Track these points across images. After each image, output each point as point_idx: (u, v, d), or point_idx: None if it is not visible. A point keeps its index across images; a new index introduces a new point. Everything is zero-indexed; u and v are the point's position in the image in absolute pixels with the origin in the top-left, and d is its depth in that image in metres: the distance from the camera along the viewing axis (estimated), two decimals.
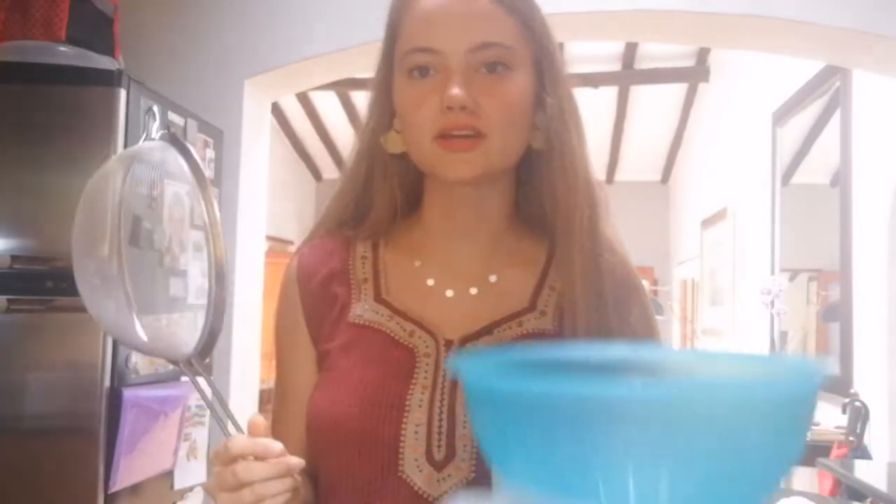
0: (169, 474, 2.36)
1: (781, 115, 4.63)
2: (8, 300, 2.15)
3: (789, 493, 2.81)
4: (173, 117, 2.52)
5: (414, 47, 0.85)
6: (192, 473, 2.45)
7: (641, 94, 7.22)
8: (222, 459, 0.75)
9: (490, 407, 0.51)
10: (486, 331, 0.87)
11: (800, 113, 4.38)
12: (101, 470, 2.12)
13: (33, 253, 2.16)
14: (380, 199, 0.93)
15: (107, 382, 2.14)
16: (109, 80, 2.23)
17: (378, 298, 0.91)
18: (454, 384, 0.84)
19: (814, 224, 4.19)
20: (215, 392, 0.89)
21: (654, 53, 6.56)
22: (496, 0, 0.85)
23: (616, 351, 0.62)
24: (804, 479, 3.57)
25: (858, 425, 3.18)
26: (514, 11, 0.86)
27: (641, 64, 6.75)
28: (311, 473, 0.89)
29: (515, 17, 0.86)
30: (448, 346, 0.86)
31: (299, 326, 0.93)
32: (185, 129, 2.60)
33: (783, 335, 4.54)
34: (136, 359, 2.27)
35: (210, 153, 2.79)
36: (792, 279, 4.35)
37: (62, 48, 2.36)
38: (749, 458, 0.47)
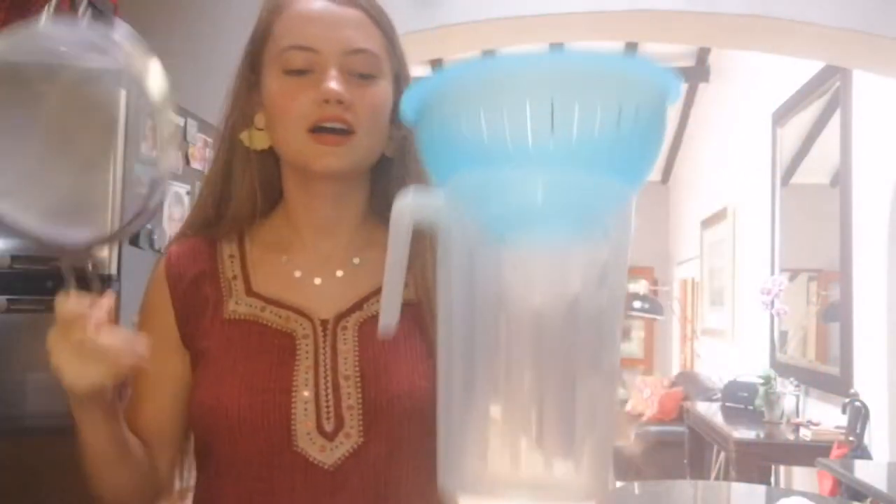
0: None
1: (781, 115, 4.63)
2: (8, 300, 2.15)
3: (789, 493, 2.81)
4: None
5: (291, 44, 0.90)
6: (191, 473, 2.45)
7: None
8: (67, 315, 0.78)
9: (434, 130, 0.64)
10: (357, 307, 0.93)
11: (800, 113, 4.38)
12: None
13: (33, 253, 2.16)
14: (239, 193, 0.97)
15: None
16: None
17: (249, 292, 0.95)
18: (335, 360, 0.90)
19: (814, 224, 4.19)
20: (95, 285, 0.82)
21: (654, 53, 6.56)
22: (365, 12, 0.93)
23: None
24: (804, 479, 3.58)
25: (858, 425, 3.18)
26: (379, 25, 0.94)
27: None
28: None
29: (381, 29, 0.94)
30: (324, 325, 0.92)
31: (166, 326, 0.95)
32: (184, 128, 2.60)
33: (783, 335, 4.54)
34: None
35: (210, 153, 2.78)
36: (792, 279, 4.35)
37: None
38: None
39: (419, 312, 0.94)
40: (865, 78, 3.46)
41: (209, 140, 2.78)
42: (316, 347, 0.91)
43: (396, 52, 0.96)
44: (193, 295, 0.95)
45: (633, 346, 9.23)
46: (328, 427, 0.88)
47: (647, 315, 7.02)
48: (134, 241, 2.26)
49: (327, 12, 0.92)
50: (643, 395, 6.56)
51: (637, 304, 6.82)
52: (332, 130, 0.88)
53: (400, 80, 0.96)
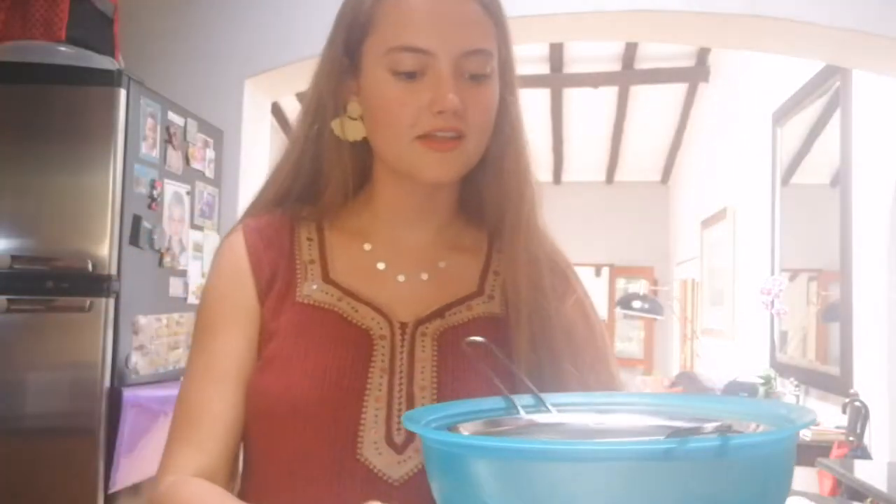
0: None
1: (781, 115, 4.63)
2: (8, 300, 2.15)
3: (789, 493, 2.81)
4: (173, 117, 2.52)
5: (403, 45, 0.83)
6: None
7: (641, 94, 7.22)
8: None
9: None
10: (438, 314, 0.88)
11: (800, 113, 4.38)
12: (101, 470, 2.12)
13: (33, 253, 2.16)
14: (333, 183, 0.91)
15: (107, 382, 2.14)
16: (109, 80, 2.23)
17: (327, 279, 0.89)
18: (411, 367, 0.84)
19: (814, 224, 4.19)
20: None
21: (654, 53, 6.56)
22: (481, 5, 0.86)
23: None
24: (804, 478, 3.58)
25: (858, 425, 3.18)
26: (494, 17, 0.87)
27: (641, 64, 6.75)
28: (235, 454, 0.87)
29: (494, 22, 0.87)
30: (403, 328, 0.86)
31: (247, 299, 0.88)
32: (185, 128, 2.60)
33: (783, 335, 4.54)
34: (136, 359, 2.27)
35: (210, 153, 2.79)
36: (792, 279, 4.35)
37: (62, 48, 2.36)
38: None
39: (503, 327, 0.88)
40: (865, 78, 3.46)
41: (209, 140, 2.78)
42: (392, 351, 0.85)
43: (505, 41, 0.89)
44: (271, 270, 0.89)
45: (633, 346, 9.23)
46: (398, 439, 0.81)
47: (646, 315, 7.02)
48: (134, 240, 2.26)
49: (443, 6, 0.84)
50: None
51: (637, 304, 6.82)
52: (443, 138, 0.83)
53: (505, 69, 0.89)
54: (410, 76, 0.83)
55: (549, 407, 0.68)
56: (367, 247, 0.92)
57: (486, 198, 0.93)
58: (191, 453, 0.84)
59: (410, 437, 0.81)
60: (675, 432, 0.49)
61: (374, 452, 0.80)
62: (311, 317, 0.86)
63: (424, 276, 0.90)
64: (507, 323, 0.87)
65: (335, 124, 0.90)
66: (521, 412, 0.70)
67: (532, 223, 0.90)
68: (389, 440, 0.81)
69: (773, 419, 0.61)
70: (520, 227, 0.89)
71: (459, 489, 0.55)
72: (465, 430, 0.64)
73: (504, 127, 0.90)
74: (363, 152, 0.91)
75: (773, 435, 0.56)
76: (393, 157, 0.87)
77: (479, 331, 0.85)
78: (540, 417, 0.68)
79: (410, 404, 0.82)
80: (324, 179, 0.92)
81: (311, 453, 0.81)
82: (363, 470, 0.80)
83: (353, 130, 0.89)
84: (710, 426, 0.52)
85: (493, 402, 0.72)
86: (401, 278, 0.90)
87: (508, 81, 0.90)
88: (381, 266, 0.90)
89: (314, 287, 0.88)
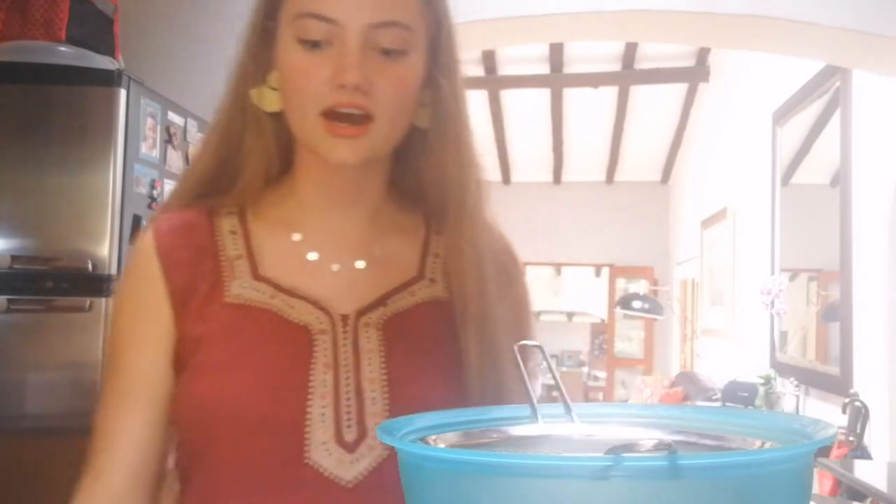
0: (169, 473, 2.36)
1: (781, 115, 4.63)
2: (8, 300, 2.15)
3: None
4: (173, 117, 2.52)
5: (308, 12, 0.77)
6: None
7: (641, 94, 7.22)
8: None
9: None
10: (380, 302, 0.83)
11: (800, 113, 4.38)
12: None
13: (33, 253, 2.16)
14: (253, 160, 0.85)
15: None
16: (109, 80, 2.23)
17: (256, 276, 0.83)
18: (357, 360, 0.79)
19: (814, 224, 4.19)
20: None
21: (654, 53, 6.56)
22: None
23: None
24: None
25: (858, 425, 3.18)
26: None
27: (641, 64, 6.75)
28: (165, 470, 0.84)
29: None
30: (344, 320, 0.81)
31: (158, 307, 0.82)
32: (185, 128, 2.60)
33: (783, 335, 4.54)
34: None
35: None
36: (792, 279, 4.35)
37: (62, 48, 2.36)
38: None
39: (448, 311, 0.83)
40: (865, 78, 3.46)
41: None
42: (335, 345, 0.79)
43: (435, 13, 0.82)
44: (189, 273, 0.82)
45: (633, 346, 9.22)
46: (349, 437, 0.76)
47: (646, 315, 7.02)
48: (134, 240, 2.26)
49: None
50: (643, 395, 6.56)
51: (637, 304, 6.82)
52: (349, 117, 0.77)
53: (437, 38, 0.83)
54: (316, 45, 0.77)
55: (539, 417, 0.65)
56: (295, 237, 0.85)
57: (426, 184, 0.88)
58: (98, 489, 0.82)
59: (362, 434, 0.76)
60: (613, 448, 0.45)
61: (324, 454, 0.75)
62: (243, 318, 0.80)
63: (360, 264, 0.85)
64: (452, 306, 0.83)
65: (254, 93, 0.84)
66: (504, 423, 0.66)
67: (477, 216, 0.85)
68: (339, 439, 0.76)
69: (786, 435, 0.56)
70: (463, 220, 0.84)
71: (409, 496, 0.55)
72: (443, 441, 0.61)
73: (440, 112, 0.84)
74: (286, 133, 0.84)
75: (738, 457, 0.50)
76: (300, 133, 0.81)
77: (424, 316, 0.83)
78: (528, 429, 0.65)
79: (360, 399, 0.77)
80: (243, 157, 0.85)
81: (255, 461, 0.76)
82: (312, 474, 0.75)
83: (269, 100, 0.83)
84: (650, 442, 0.46)
85: (503, 411, 0.69)
86: (335, 268, 0.84)
87: (444, 63, 0.83)
88: (312, 257, 0.84)
89: (244, 285, 0.82)
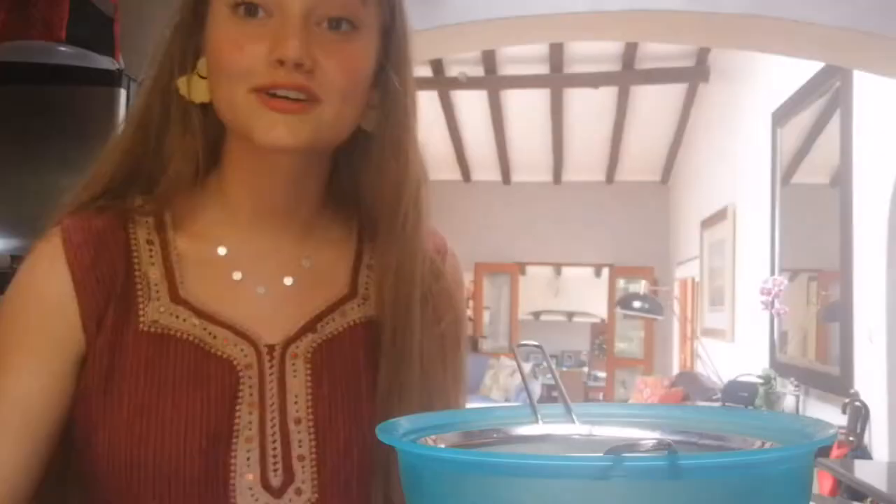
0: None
1: (781, 115, 4.63)
2: None
3: None
4: None
5: None
6: None
7: (641, 94, 7.22)
8: None
9: None
10: (309, 328, 0.75)
11: (800, 113, 4.38)
12: None
13: None
14: (177, 159, 0.75)
15: None
16: (109, 80, 2.23)
17: (175, 298, 0.73)
18: (283, 397, 0.73)
19: (814, 224, 4.19)
20: None
21: (654, 53, 6.56)
22: None
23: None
24: None
25: (858, 425, 3.18)
26: None
27: (641, 64, 6.75)
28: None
29: None
30: (270, 351, 0.74)
31: (62, 329, 0.71)
32: None
33: (783, 335, 4.54)
34: None
35: None
36: (792, 279, 4.35)
37: (62, 48, 2.36)
38: None
39: (379, 334, 0.76)
40: (865, 78, 3.46)
41: None
42: (261, 381, 0.72)
43: (398, 11, 0.75)
44: (101, 287, 0.72)
45: (633, 346, 9.23)
46: (275, 481, 0.71)
47: (646, 315, 7.02)
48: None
49: None
50: (643, 395, 6.56)
51: (637, 304, 6.82)
52: (287, 98, 0.68)
53: (390, 31, 0.75)
54: (252, 12, 0.68)
55: (539, 417, 0.66)
56: (221, 251, 0.76)
57: (363, 192, 0.79)
58: None
59: (289, 478, 0.71)
60: (613, 448, 0.44)
61: (250, 499, 0.70)
62: (160, 350, 0.71)
63: (288, 281, 0.77)
64: (384, 328, 0.77)
65: (181, 82, 0.74)
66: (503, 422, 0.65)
67: (415, 231, 0.77)
68: (266, 484, 0.70)
69: (786, 435, 0.56)
70: (393, 238, 0.77)
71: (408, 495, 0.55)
72: (443, 441, 0.61)
73: (388, 112, 0.75)
74: (214, 128, 0.75)
75: (739, 457, 0.51)
76: (229, 115, 0.71)
77: (356, 341, 0.77)
78: (528, 429, 0.65)
79: (285, 441, 0.71)
80: (165, 155, 0.75)
81: None
82: None
83: (199, 90, 0.73)
84: (650, 442, 0.45)
85: (495, 412, 0.68)
86: (261, 290, 0.76)
87: (396, 60, 0.75)
88: (237, 276, 0.75)
89: (161, 309, 0.72)
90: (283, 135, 0.68)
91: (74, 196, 0.77)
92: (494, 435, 0.64)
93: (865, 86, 3.54)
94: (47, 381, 0.71)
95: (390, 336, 0.75)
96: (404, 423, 0.60)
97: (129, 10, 2.83)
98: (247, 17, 0.69)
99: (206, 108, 0.74)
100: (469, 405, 0.81)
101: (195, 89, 0.74)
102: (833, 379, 3.74)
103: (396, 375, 0.75)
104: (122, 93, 2.22)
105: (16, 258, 2.17)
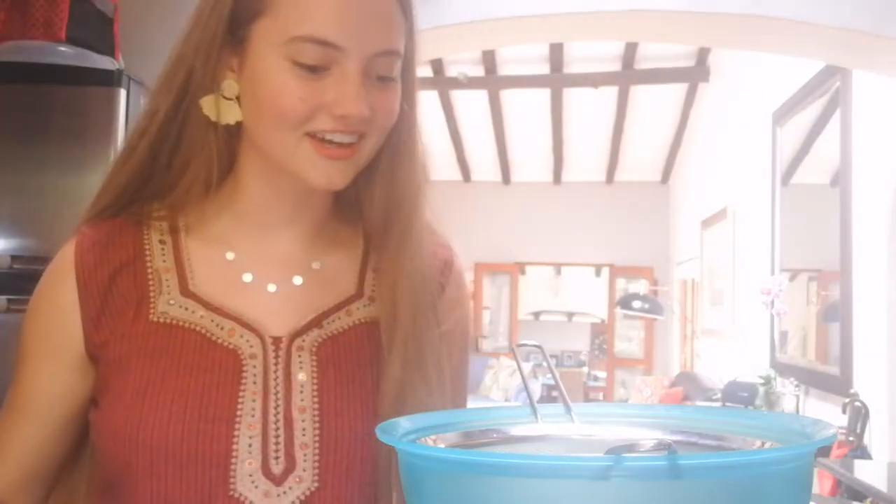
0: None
1: (781, 115, 4.63)
2: (8, 300, 2.15)
3: None
4: None
5: (309, 36, 0.72)
6: None
7: (641, 94, 7.22)
8: None
9: None
10: (315, 323, 0.79)
11: (800, 113, 4.38)
12: None
13: (33, 253, 2.16)
14: (193, 170, 0.79)
15: None
16: (109, 80, 2.23)
17: (185, 292, 0.78)
18: (288, 387, 0.75)
19: (814, 224, 4.19)
20: None
21: (654, 53, 6.57)
22: (397, 2, 0.77)
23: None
24: None
25: (858, 425, 3.18)
26: (407, 15, 0.78)
27: (641, 64, 6.75)
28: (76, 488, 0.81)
29: (406, 23, 0.78)
30: (276, 343, 0.77)
31: (67, 326, 0.78)
32: None
33: (783, 335, 4.54)
34: None
35: None
36: (792, 279, 4.35)
37: (62, 48, 2.36)
38: None
39: (383, 334, 0.79)
40: (865, 78, 3.46)
41: None
42: (266, 371, 0.75)
43: (413, 42, 0.80)
44: (110, 290, 0.78)
45: (633, 346, 9.23)
46: (276, 469, 0.73)
47: (646, 315, 7.03)
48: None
49: (360, 2, 0.74)
50: (643, 395, 6.56)
51: (637, 304, 6.82)
52: (339, 144, 0.74)
53: (406, 71, 0.81)
54: (312, 69, 0.73)
55: (539, 417, 0.66)
56: (229, 256, 0.80)
57: (373, 198, 0.84)
58: None
59: (290, 465, 0.73)
60: (613, 448, 0.45)
61: (250, 486, 0.72)
62: (168, 338, 0.75)
63: (298, 281, 0.81)
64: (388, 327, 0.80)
65: (207, 102, 0.77)
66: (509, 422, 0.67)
67: (418, 242, 0.82)
68: (266, 471, 0.73)
69: (786, 435, 0.57)
70: (405, 244, 0.81)
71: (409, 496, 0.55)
72: (443, 441, 0.62)
73: (400, 132, 0.80)
74: (231, 139, 0.80)
75: (739, 457, 0.51)
76: (277, 152, 0.76)
77: (359, 339, 0.80)
78: (528, 429, 0.66)
79: (289, 429, 0.74)
80: (181, 165, 0.80)
81: (177, 495, 0.72)
82: None
83: (228, 112, 0.77)
84: (650, 442, 0.45)
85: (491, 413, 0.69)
86: (271, 288, 0.80)
87: (407, 84, 0.81)
88: (247, 278, 0.80)
89: (171, 302, 0.77)
90: (337, 180, 0.75)
91: (91, 205, 0.83)
92: (494, 435, 0.65)
93: (865, 86, 3.54)
94: (61, 373, 0.78)
95: (394, 336, 0.78)
96: (404, 423, 0.60)
97: (129, 10, 2.83)
98: (307, 71, 0.73)
99: (228, 125, 0.78)
100: (469, 405, 0.83)
101: (225, 112, 0.77)
102: (833, 379, 3.74)
103: (400, 375, 0.77)
104: (122, 93, 2.22)
105: (16, 258, 2.17)
